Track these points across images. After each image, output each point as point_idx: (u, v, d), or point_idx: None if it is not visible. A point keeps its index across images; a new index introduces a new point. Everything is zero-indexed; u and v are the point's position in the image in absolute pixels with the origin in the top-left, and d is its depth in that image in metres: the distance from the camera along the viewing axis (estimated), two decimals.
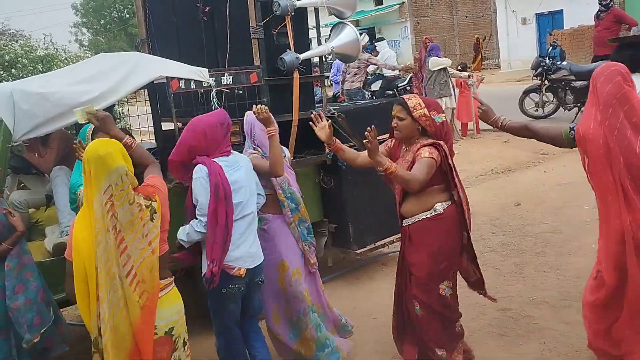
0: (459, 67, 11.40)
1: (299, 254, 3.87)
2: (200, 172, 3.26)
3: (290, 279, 3.80)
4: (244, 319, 3.50)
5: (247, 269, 3.30)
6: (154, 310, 2.65)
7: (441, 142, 3.40)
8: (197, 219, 3.29)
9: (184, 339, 2.87)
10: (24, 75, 8.95)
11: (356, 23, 28.38)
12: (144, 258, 2.60)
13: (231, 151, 3.44)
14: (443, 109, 10.49)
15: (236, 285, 3.29)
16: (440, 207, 3.43)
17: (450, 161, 3.42)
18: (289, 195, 3.84)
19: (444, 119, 3.51)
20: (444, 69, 10.52)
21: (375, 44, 13.67)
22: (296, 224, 3.86)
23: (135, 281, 2.57)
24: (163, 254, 2.73)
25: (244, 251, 3.31)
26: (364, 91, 11.84)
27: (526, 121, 3.25)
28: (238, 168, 3.36)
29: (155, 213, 2.66)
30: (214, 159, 3.29)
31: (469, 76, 10.86)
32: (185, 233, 3.32)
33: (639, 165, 2.75)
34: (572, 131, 3.01)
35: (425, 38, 11.70)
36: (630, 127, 2.76)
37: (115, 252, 2.53)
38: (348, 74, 11.44)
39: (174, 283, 2.87)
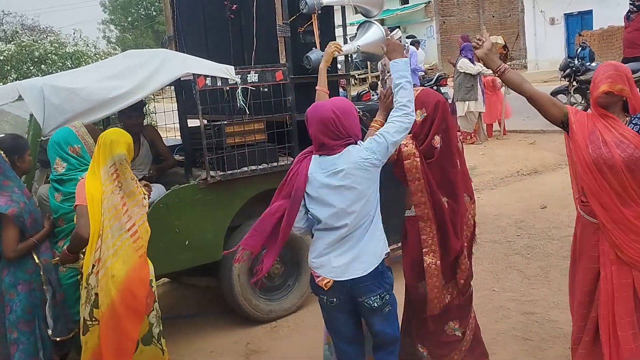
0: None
1: None
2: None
3: None
4: (374, 349, 3.11)
5: (336, 282, 2.84)
6: (147, 263, 3.23)
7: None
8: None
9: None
10: (54, 71, 9.10)
11: (381, 22, 28.14)
12: (143, 221, 3.25)
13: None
14: (465, 112, 10.43)
15: (325, 297, 2.90)
16: (413, 209, 3.26)
17: (406, 162, 3.16)
18: None
19: (420, 118, 3.16)
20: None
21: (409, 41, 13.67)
22: None
23: (137, 236, 3.18)
24: None
25: (327, 260, 2.87)
26: None
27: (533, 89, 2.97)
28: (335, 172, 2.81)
29: (145, 198, 3.35)
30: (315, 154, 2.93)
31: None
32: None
33: None
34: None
35: (459, 37, 11.58)
36: None
37: (118, 211, 3.15)
38: (388, 72, 11.34)
39: None
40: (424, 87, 3.36)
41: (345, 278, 2.82)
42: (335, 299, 2.87)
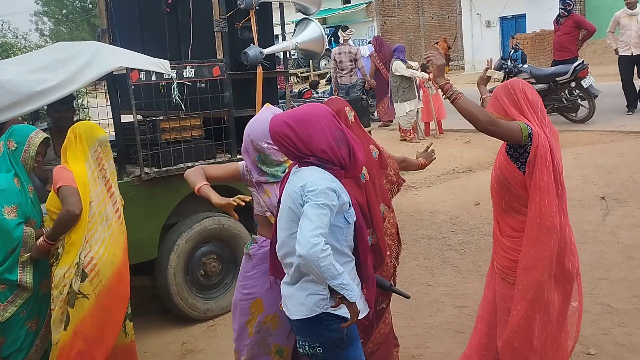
0: (419, 69, 11.46)
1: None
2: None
3: (260, 324, 2.97)
4: None
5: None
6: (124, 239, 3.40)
7: None
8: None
9: None
10: None
11: (323, 21, 28.39)
12: (120, 199, 3.47)
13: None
14: (408, 111, 10.62)
15: None
16: None
17: None
18: None
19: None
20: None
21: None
22: None
23: (121, 218, 3.40)
24: None
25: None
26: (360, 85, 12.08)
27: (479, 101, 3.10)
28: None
29: None
30: None
31: (428, 79, 10.86)
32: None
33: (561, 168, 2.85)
34: (529, 127, 2.80)
35: (373, 38, 11.91)
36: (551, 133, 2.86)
37: (104, 197, 3.31)
38: (344, 70, 11.51)
39: None
40: (332, 97, 3.37)
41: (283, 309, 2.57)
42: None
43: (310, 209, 2.23)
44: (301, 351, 2.51)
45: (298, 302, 2.43)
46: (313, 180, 2.30)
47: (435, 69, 2.93)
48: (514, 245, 2.88)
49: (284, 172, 2.80)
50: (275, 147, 2.70)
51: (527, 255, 2.78)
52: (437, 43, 27.46)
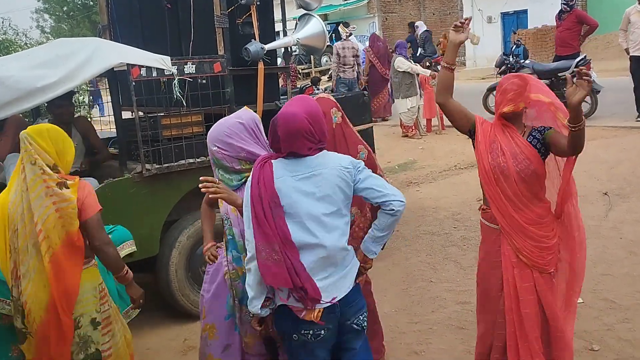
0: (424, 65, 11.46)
1: (223, 309, 2.89)
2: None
3: (200, 331, 2.99)
4: None
5: (326, 309, 2.40)
6: (62, 269, 2.74)
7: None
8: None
9: (94, 319, 2.90)
10: None
11: (324, 17, 28.34)
12: (48, 215, 2.72)
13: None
14: (409, 108, 10.65)
15: (311, 332, 2.41)
16: None
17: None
18: (230, 237, 2.82)
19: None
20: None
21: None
22: (232, 278, 2.83)
23: (42, 235, 2.71)
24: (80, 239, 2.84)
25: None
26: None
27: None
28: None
29: (67, 188, 2.77)
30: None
31: (432, 77, 10.81)
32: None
33: None
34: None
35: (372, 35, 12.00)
36: None
37: (29, 213, 2.73)
38: (346, 65, 11.62)
39: (91, 263, 2.95)
40: (320, 96, 3.30)
41: (334, 299, 2.42)
42: (324, 330, 2.42)
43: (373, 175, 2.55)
44: (365, 324, 2.56)
45: (350, 275, 2.51)
46: (351, 158, 2.55)
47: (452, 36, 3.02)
48: (543, 231, 2.91)
49: (239, 180, 2.72)
50: (225, 152, 2.73)
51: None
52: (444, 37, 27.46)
